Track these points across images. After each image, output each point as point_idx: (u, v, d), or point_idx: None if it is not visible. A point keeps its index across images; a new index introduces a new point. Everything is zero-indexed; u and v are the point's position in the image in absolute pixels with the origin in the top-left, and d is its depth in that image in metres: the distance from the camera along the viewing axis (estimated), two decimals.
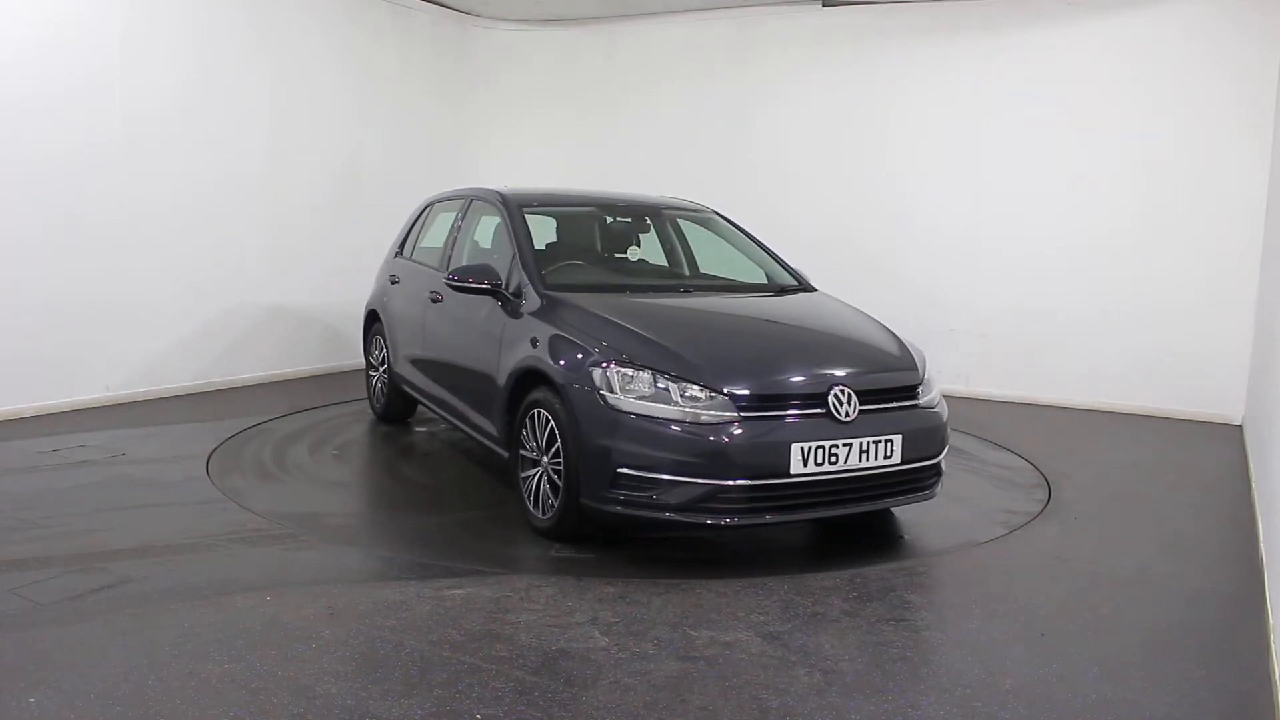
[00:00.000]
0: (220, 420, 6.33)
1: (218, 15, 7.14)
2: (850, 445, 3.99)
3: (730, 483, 3.86)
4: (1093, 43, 7.54)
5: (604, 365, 4.05)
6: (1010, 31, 7.83)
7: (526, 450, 4.42)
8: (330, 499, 5.07)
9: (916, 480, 4.32)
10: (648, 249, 5.84)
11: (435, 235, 6.20)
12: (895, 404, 4.24)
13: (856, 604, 3.66)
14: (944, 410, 4.47)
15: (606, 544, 4.23)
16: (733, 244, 5.76)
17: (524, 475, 4.44)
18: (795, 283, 5.40)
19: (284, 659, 3.03)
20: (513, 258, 4.98)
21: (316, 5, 7.96)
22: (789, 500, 3.99)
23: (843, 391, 4.05)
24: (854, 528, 4.66)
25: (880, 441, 4.06)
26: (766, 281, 5.45)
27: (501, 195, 5.45)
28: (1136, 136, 7.42)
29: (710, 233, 5.88)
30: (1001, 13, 7.85)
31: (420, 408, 6.24)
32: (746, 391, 3.96)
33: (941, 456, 4.40)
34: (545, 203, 5.70)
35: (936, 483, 4.44)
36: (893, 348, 4.56)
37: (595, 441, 3.98)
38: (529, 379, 4.43)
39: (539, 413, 4.29)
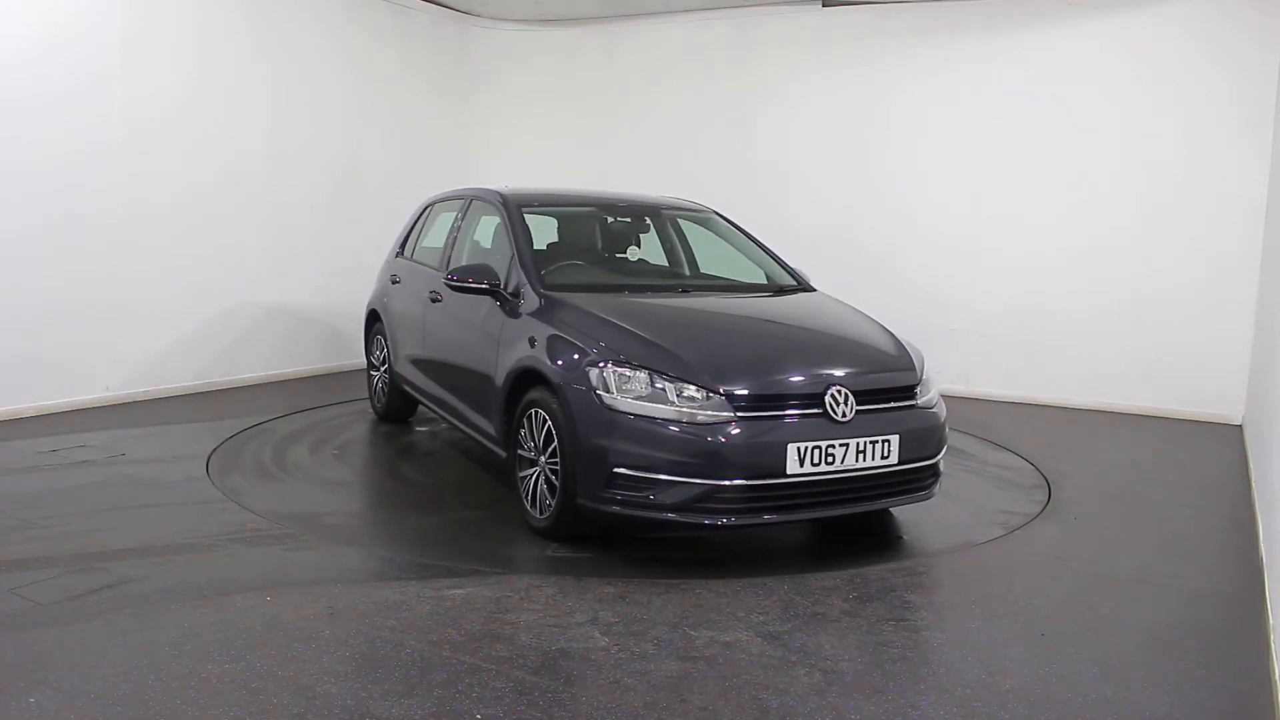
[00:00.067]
0: (220, 420, 6.33)
1: (218, 15, 7.14)
2: (847, 445, 3.99)
3: (726, 483, 3.86)
4: (1093, 43, 7.54)
5: (601, 365, 4.06)
6: (1010, 31, 7.83)
7: (524, 450, 4.42)
8: (330, 499, 5.07)
9: (914, 481, 4.32)
10: (648, 249, 5.85)
11: (436, 235, 6.20)
12: (892, 404, 4.23)
13: (856, 604, 3.66)
14: (942, 410, 4.46)
15: (604, 544, 4.23)
16: (732, 244, 5.76)
17: (522, 475, 4.45)
18: (795, 283, 5.39)
19: (284, 659, 3.03)
20: (511, 258, 4.98)
21: (316, 5, 7.96)
22: (786, 500, 3.99)
23: (840, 392, 4.05)
24: (854, 528, 4.66)
25: (877, 442, 4.06)
26: (766, 281, 5.44)
27: (501, 195, 5.45)
28: (1136, 136, 7.42)
29: (710, 233, 5.88)
30: (1001, 13, 7.85)
31: (421, 407, 6.24)
32: (743, 391, 3.96)
33: (939, 457, 4.39)
34: (545, 203, 5.70)
35: (934, 483, 4.44)
36: (890, 348, 4.55)
37: (592, 441, 3.98)
38: (527, 379, 4.43)
39: (536, 412, 4.30)
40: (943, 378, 7.36)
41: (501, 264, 5.03)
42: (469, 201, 5.86)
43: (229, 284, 7.42)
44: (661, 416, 3.91)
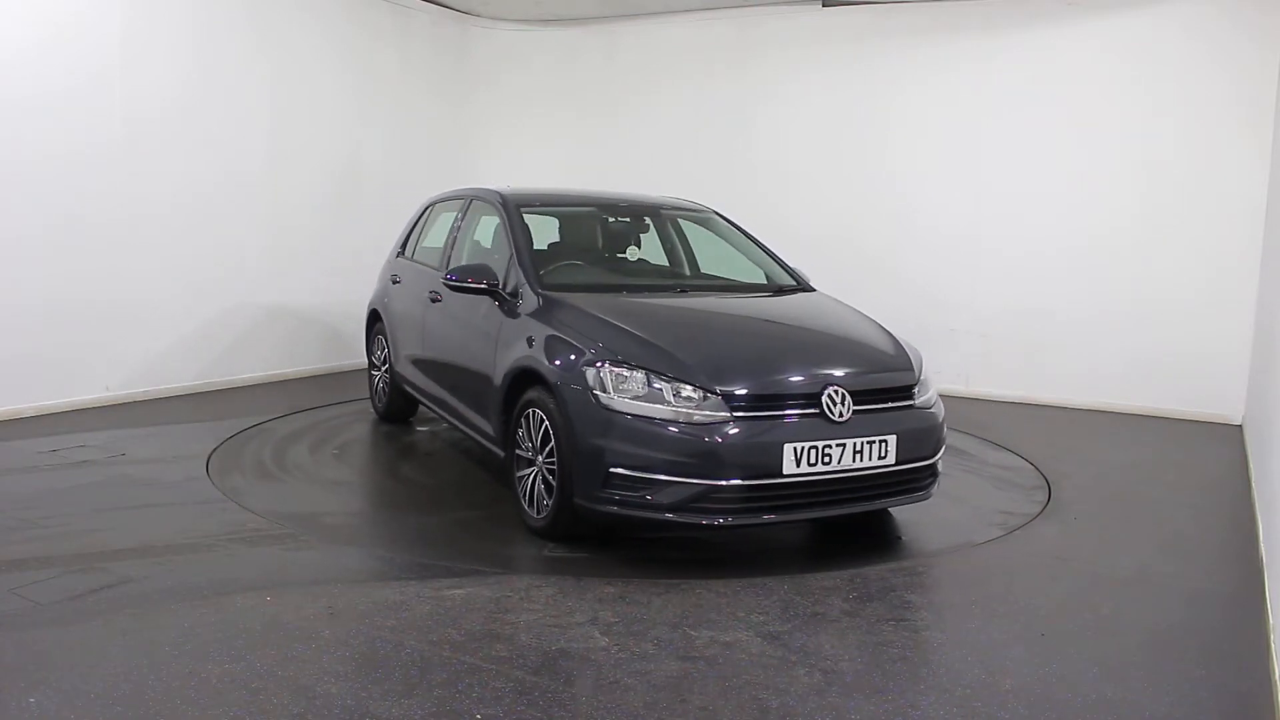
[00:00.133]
0: (220, 420, 6.33)
1: (218, 15, 7.14)
2: (844, 446, 3.98)
3: (723, 483, 3.85)
4: (1093, 43, 7.54)
5: (598, 365, 4.06)
6: (1010, 31, 7.83)
7: (522, 450, 4.42)
8: (330, 499, 5.07)
9: (912, 481, 4.31)
10: (648, 249, 5.85)
11: (436, 235, 6.20)
12: (890, 404, 4.23)
13: (856, 604, 3.66)
14: (940, 411, 4.46)
15: (601, 544, 4.23)
16: (732, 244, 5.76)
17: (519, 475, 4.45)
18: (794, 283, 5.39)
19: (284, 659, 3.03)
20: (510, 258, 4.98)
21: (316, 5, 7.96)
22: (783, 500, 3.99)
23: (836, 392, 4.05)
24: (853, 528, 4.66)
25: (874, 442, 4.06)
26: (765, 282, 5.44)
27: (500, 195, 5.45)
28: (1136, 136, 7.42)
29: (710, 233, 5.88)
30: (1001, 13, 7.85)
31: (422, 407, 6.24)
32: (740, 391, 3.96)
33: (937, 457, 4.39)
34: (544, 203, 5.70)
35: (932, 483, 4.43)
36: (888, 348, 4.55)
37: (588, 441, 3.98)
38: (524, 378, 4.43)
39: (534, 412, 4.30)
40: (943, 378, 7.36)
41: (500, 264, 5.04)
42: (469, 201, 5.86)
43: (229, 284, 7.42)
44: (658, 416, 3.91)
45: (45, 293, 6.19)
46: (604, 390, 4.00)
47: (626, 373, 4.01)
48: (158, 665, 2.96)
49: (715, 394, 3.94)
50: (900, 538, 4.57)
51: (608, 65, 9.43)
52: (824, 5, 8.44)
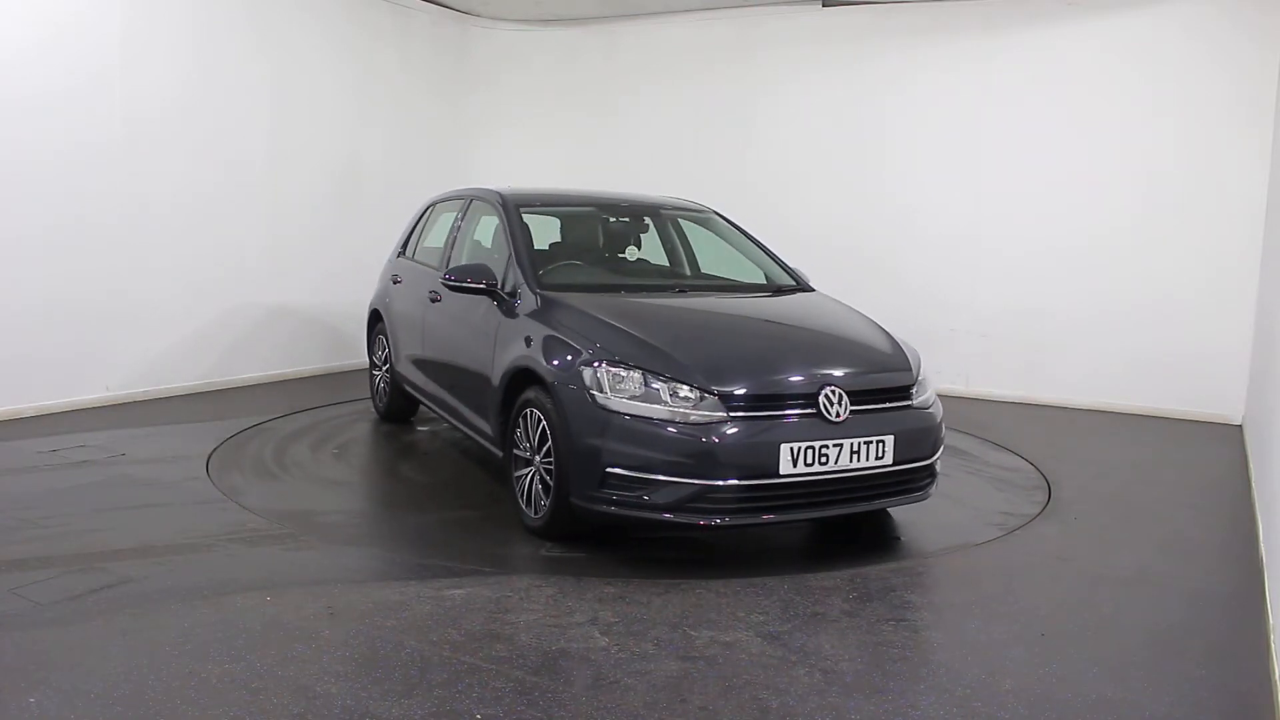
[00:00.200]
0: (220, 420, 6.33)
1: (218, 15, 7.14)
2: (841, 446, 3.98)
3: (720, 483, 3.85)
4: (1093, 43, 7.54)
5: (594, 365, 4.06)
6: (1010, 31, 7.83)
7: (520, 450, 4.42)
8: (330, 498, 5.07)
9: (910, 481, 4.31)
10: (648, 249, 5.85)
11: (437, 235, 6.21)
12: (888, 404, 4.22)
13: (856, 604, 3.66)
14: (939, 411, 4.45)
15: (599, 543, 4.23)
16: (732, 244, 5.76)
17: (517, 475, 4.45)
18: (794, 283, 5.39)
19: (284, 659, 3.03)
20: (509, 257, 4.98)
21: (316, 5, 7.96)
22: (779, 500, 3.98)
23: (833, 392, 4.04)
24: (853, 528, 4.66)
25: (872, 442, 4.05)
26: (765, 282, 5.44)
27: (500, 195, 5.46)
28: (1136, 136, 7.42)
29: (710, 233, 5.88)
30: (1001, 13, 7.85)
31: (422, 407, 6.24)
32: (736, 391, 3.96)
33: (936, 458, 4.39)
34: (544, 203, 5.71)
35: (930, 484, 4.43)
36: (886, 348, 4.55)
37: (585, 441, 3.98)
38: (522, 378, 4.44)
39: (531, 412, 4.30)
40: (943, 378, 7.38)
41: (500, 264, 5.04)
42: (469, 201, 5.87)
43: (229, 284, 7.42)
44: (655, 416, 3.91)
45: (45, 293, 6.19)
46: (601, 390, 4.00)
47: (623, 372, 4.01)
48: (158, 665, 2.96)
49: (712, 394, 3.94)
50: (900, 538, 4.57)
51: (608, 65, 9.43)
52: (824, 5, 8.44)
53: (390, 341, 6.34)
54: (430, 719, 2.71)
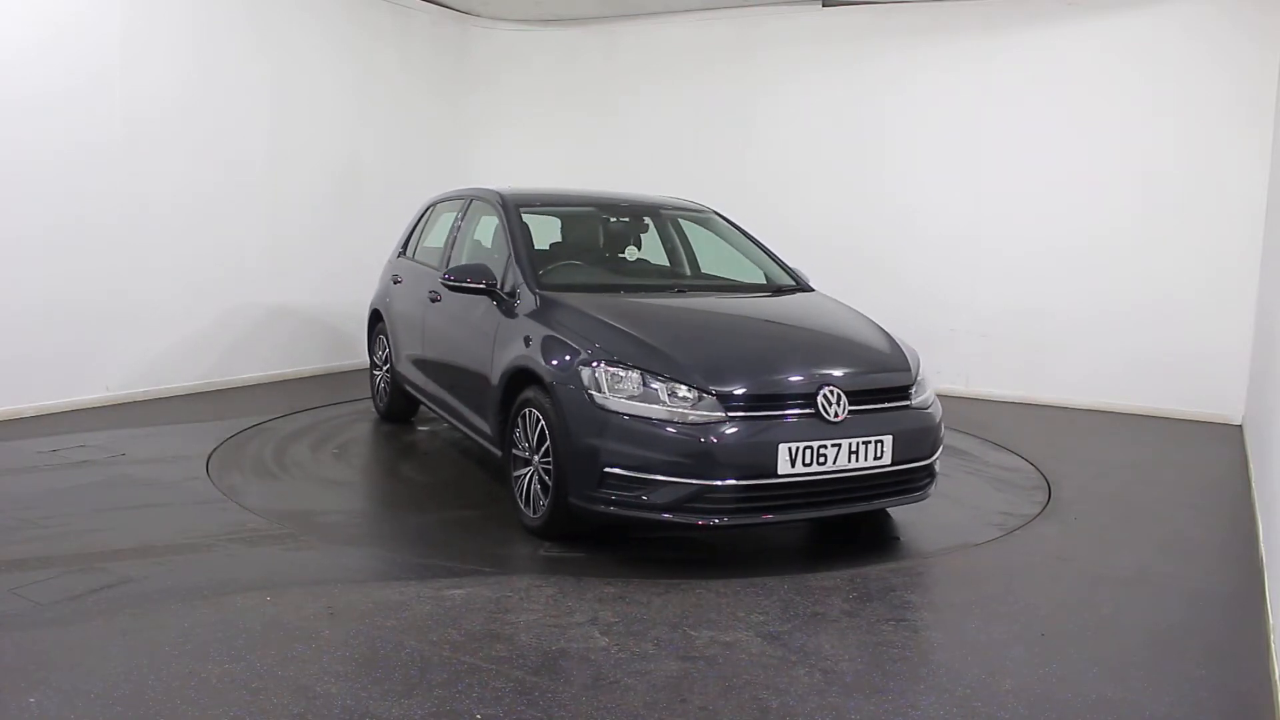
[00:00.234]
0: (220, 420, 6.33)
1: (218, 15, 7.14)
2: (839, 446, 3.98)
3: (718, 483, 3.85)
4: (1093, 43, 7.54)
5: (593, 365, 4.06)
6: (1010, 31, 7.83)
7: (519, 450, 4.42)
8: (330, 498, 5.07)
9: (909, 481, 4.31)
10: (648, 249, 5.85)
11: (437, 235, 6.21)
12: (886, 404, 4.22)
13: (856, 604, 3.66)
14: (937, 411, 4.45)
15: (598, 543, 4.23)
16: (732, 244, 5.76)
17: (516, 474, 4.45)
18: (793, 283, 5.39)
19: (284, 659, 3.03)
20: (509, 257, 4.98)
21: (316, 5, 7.96)
22: (778, 500, 3.98)
23: (832, 392, 4.04)
24: (852, 528, 4.66)
25: (870, 442, 4.05)
26: (764, 282, 5.44)
27: (499, 195, 5.46)
28: (1136, 136, 7.42)
29: (710, 233, 5.88)
30: (1001, 13, 7.85)
31: (422, 407, 6.24)
32: (735, 391, 3.96)
33: (935, 458, 4.38)
34: (544, 203, 5.71)
35: (929, 484, 4.43)
36: (885, 348, 4.55)
37: (583, 441, 3.98)
38: (521, 378, 4.44)
39: (530, 412, 4.30)
40: (943, 378, 7.38)
41: (499, 264, 5.04)
42: (469, 201, 5.87)
43: (229, 284, 7.42)
44: (653, 416, 3.91)
45: (45, 293, 6.19)
46: (599, 390, 4.00)
47: (622, 372, 4.01)
48: (158, 665, 2.96)
49: (710, 394, 3.94)
50: (900, 538, 4.57)
51: (607, 65, 9.43)
52: (824, 5, 8.44)
53: (390, 341, 6.34)
54: (430, 719, 2.71)
